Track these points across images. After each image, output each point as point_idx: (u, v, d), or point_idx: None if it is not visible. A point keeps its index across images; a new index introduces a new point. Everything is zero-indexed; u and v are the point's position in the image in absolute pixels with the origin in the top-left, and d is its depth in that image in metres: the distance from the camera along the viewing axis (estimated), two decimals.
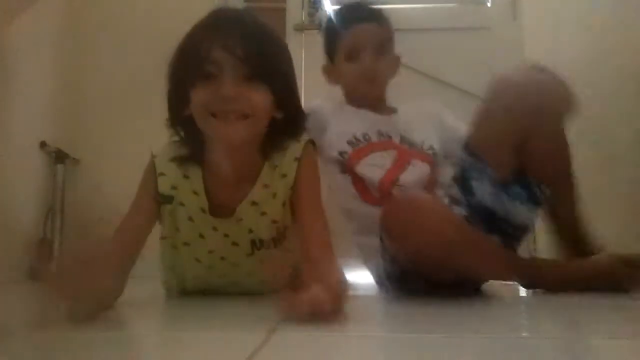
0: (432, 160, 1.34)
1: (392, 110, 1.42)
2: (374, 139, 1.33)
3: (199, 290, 1.14)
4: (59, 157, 2.09)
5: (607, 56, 2.17)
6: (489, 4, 2.38)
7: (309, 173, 1.04)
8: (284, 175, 1.04)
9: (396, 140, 1.34)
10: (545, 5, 2.27)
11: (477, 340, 0.62)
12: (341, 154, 1.31)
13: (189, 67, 0.95)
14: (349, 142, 1.31)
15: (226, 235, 1.06)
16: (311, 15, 2.36)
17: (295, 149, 1.04)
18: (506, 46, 2.21)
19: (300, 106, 1.05)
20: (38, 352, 0.59)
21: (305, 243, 1.00)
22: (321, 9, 2.37)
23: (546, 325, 0.80)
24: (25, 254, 1.93)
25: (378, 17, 1.39)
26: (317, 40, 2.35)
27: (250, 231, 1.06)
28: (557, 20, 2.23)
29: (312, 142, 1.08)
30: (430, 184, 1.31)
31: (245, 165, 1.03)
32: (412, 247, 1.04)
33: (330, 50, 1.41)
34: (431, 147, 1.36)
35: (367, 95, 1.38)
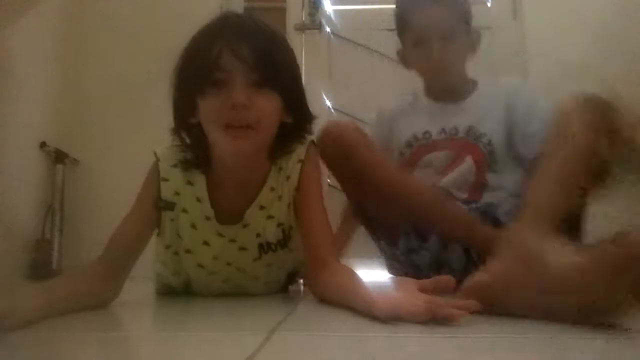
0: (484, 158, 1.24)
1: (469, 91, 1.32)
2: (435, 135, 1.28)
3: (201, 293, 1.13)
4: (59, 157, 2.09)
5: (607, 56, 2.16)
6: (489, 4, 2.38)
7: (312, 174, 1.04)
8: (289, 177, 1.04)
9: (462, 132, 1.27)
10: (545, 4, 2.27)
11: (477, 340, 0.61)
12: (401, 154, 1.30)
13: (196, 74, 0.94)
14: (408, 143, 1.30)
15: (233, 241, 1.05)
16: (311, 15, 2.36)
17: (299, 150, 1.04)
18: (506, 46, 2.21)
19: (307, 108, 1.04)
20: (37, 352, 0.59)
21: (310, 244, 1.00)
22: (321, 8, 2.37)
23: (546, 325, 0.80)
24: (24, 253, 1.93)
25: (454, 3, 1.29)
26: (317, 40, 2.37)
27: (258, 235, 1.05)
28: (557, 20, 2.22)
29: (314, 143, 1.08)
30: (476, 184, 1.23)
31: (252, 171, 1.03)
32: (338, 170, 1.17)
33: (400, 33, 1.33)
34: (489, 143, 1.25)
35: (437, 82, 1.31)
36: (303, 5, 2.38)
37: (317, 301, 0.96)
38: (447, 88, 1.32)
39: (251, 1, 2.35)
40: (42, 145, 2.04)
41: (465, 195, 1.22)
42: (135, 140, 1.82)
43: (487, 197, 1.21)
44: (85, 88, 2.24)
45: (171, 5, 2.25)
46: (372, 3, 2.28)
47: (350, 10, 2.39)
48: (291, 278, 1.20)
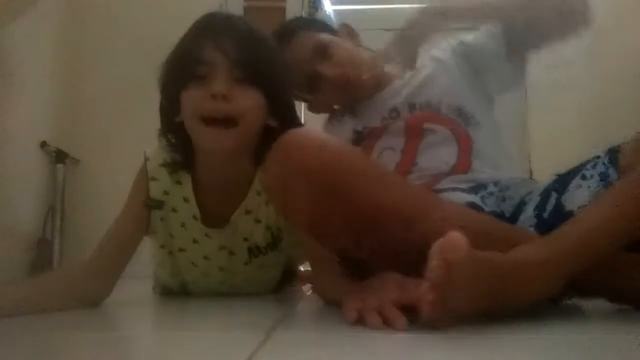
0: (457, 124, 1.05)
1: (394, 78, 1.17)
2: (376, 124, 1.11)
3: (198, 293, 1.13)
4: (59, 157, 2.09)
5: (607, 56, 2.16)
6: None
7: None
8: None
9: (404, 112, 1.10)
10: None
11: (478, 340, 0.61)
12: None
13: (180, 70, 0.93)
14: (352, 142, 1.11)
15: (222, 248, 1.05)
16: (311, 15, 2.36)
17: None
18: None
19: (295, 114, 1.02)
20: (36, 351, 0.59)
21: (307, 247, 0.98)
22: (321, 8, 2.37)
23: (548, 326, 0.80)
24: (25, 253, 1.93)
25: (306, 25, 1.21)
26: None
27: (246, 239, 1.05)
28: None
29: None
30: (460, 148, 1.03)
31: (236, 174, 1.01)
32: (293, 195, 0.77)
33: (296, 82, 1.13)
34: (458, 108, 1.08)
35: (353, 97, 1.17)
36: (303, 5, 2.38)
37: (322, 303, 0.95)
38: (365, 94, 1.16)
39: (251, 1, 2.35)
40: (43, 144, 2.04)
41: (450, 166, 1.01)
42: (135, 140, 1.82)
43: (477, 165, 1.01)
44: (85, 88, 2.24)
45: (171, 6, 2.25)
46: (372, 3, 2.28)
47: (350, 10, 2.39)
48: (289, 274, 1.20)
